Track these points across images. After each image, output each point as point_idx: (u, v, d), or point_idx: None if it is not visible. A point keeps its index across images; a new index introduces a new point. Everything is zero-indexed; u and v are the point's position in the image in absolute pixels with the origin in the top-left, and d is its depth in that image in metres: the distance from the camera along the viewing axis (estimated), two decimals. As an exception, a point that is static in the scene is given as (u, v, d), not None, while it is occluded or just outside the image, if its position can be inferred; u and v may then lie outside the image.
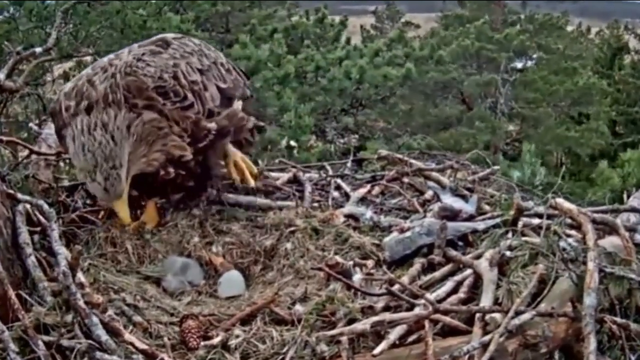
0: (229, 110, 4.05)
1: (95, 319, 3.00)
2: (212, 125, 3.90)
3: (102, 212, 4.03)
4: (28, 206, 3.64)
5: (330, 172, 5.05)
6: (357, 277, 3.53)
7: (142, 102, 3.69)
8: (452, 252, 3.72)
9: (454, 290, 3.43)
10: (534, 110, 21.11)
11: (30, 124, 5.43)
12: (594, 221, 3.61)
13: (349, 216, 4.17)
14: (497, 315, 3.11)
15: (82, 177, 3.66)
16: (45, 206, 3.56)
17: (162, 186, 3.95)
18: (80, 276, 3.27)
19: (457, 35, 21.43)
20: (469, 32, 21.17)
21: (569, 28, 27.57)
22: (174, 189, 4.05)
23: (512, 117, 21.72)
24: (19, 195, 3.63)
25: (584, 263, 3.29)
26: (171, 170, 3.81)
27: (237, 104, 4.16)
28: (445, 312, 3.20)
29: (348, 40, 16.39)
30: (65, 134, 3.71)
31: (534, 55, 22.99)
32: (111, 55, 3.98)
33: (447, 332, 3.19)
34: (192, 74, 3.90)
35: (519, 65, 22.88)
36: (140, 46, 4.00)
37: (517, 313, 3.07)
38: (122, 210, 3.72)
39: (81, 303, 3.03)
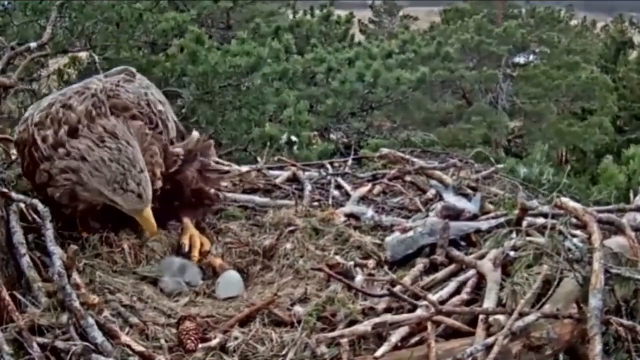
0: (189, 137, 4.06)
1: (91, 321, 2.98)
2: (179, 150, 3.90)
3: None
4: (22, 205, 3.63)
5: (331, 171, 5.05)
6: (358, 278, 3.52)
7: (128, 114, 3.72)
8: (455, 253, 3.72)
9: (457, 292, 3.43)
10: (536, 106, 21.10)
11: (25, 121, 5.40)
12: (600, 221, 3.59)
13: (349, 216, 4.17)
14: (501, 317, 3.10)
15: (109, 193, 3.47)
16: (40, 205, 3.53)
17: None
18: (76, 277, 3.26)
19: (456, 29, 21.42)
20: (469, 27, 21.16)
21: (574, 22, 27.58)
22: None
23: (514, 113, 21.71)
24: (13, 195, 3.60)
25: (590, 264, 3.28)
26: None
27: (195, 134, 4.13)
28: (448, 314, 3.19)
29: (353, 38, 16.34)
30: (58, 164, 3.54)
31: (537, 50, 22.98)
32: (75, 86, 3.91)
33: (450, 334, 3.18)
34: (158, 104, 3.96)
35: (521, 60, 22.88)
36: (107, 76, 4.01)
37: (522, 315, 3.07)
38: (151, 217, 3.61)
39: (77, 304, 3.01)
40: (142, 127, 3.71)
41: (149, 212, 3.58)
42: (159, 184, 3.71)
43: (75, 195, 3.60)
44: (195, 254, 3.88)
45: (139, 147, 3.57)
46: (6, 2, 10.30)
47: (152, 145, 3.72)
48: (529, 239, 3.65)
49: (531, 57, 23.24)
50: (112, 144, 3.48)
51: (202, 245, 3.92)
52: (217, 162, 4.43)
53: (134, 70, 4.15)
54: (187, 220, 4.02)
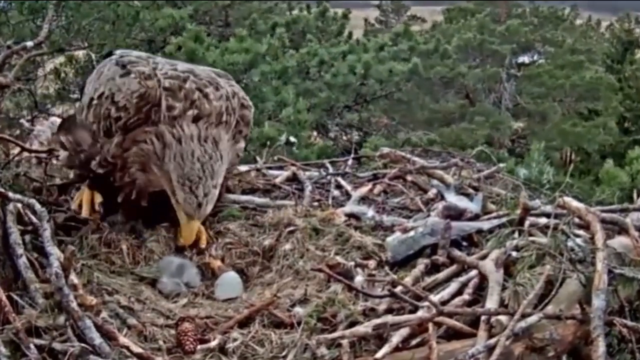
0: None
1: (88, 322, 2.99)
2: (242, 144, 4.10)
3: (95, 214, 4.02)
4: (19, 205, 3.63)
5: (331, 170, 5.06)
6: (359, 279, 3.53)
7: (245, 132, 3.90)
8: (457, 253, 3.72)
9: (459, 292, 3.44)
10: (540, 106, 21.09)
11: (22, 121, 5.43)
12: (602, 221, 3.61)
13: (350, 215, 4.18)
14: (503, 318, 3.11)
15: (177, 184, 3.52)
16: (37, 205, 3.54)
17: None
18: (73, 277, 3.27)
19: (458, 28, 21.41)
20: (471, 25, 21.15)
21: (578, 22, 27.58)
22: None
23: (517, 112, 21.70)
24: (10, 194, 3.61)
25: (593, 264, 3.29)
26: None
27: None
28: (450, 315, 3.20)
29: (350, 35, 16.36)
30: (163, 129, 3.60)
31: (540, 49, 22.98)
32: (200, 71, 3.90)
33: (452, 335, 3.18)
34: None
35: (525, 59, 22.87)
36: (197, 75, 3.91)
37: (524, 315, 3.07)
38: (194, 231, 3.70)
39: (74, 305, 3.02)
40: (241, 149, 3.94)
41: (195, 225, 3.67)
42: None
43: (145, 164, 3.65)
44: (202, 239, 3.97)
45: (226, 166, 3.65)
46: (2, 2, 10.31)
47: (233, 165, 3.90)
48: (531, 238, 3.65)
49: (535, 57, 23.23)
50: (209, 149, 3.56)
51: (198, 238, 3.96)
52: None
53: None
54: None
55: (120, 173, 3.76)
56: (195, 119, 3.63)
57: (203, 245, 3.94)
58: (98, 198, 3.97)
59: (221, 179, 3.60)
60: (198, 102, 3.67)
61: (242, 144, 4.00)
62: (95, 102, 3.83)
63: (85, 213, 3.93)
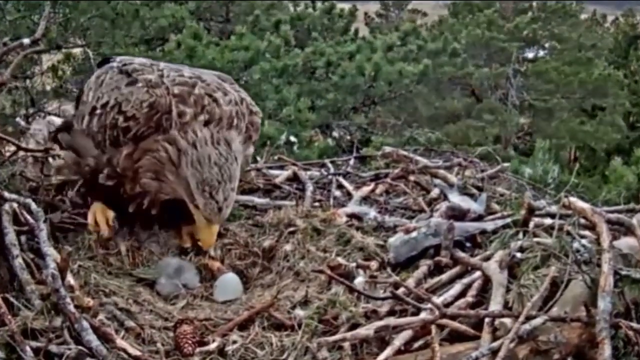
0: None
1: (85, 324, 3.00)
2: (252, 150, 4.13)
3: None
4: (15, 205, 3.63)
5: (332, 170, 5.06)
6: (360, 280, 3.53)
7: (254, 137, 3.91)
8: (460, 254, 3.73)
9: (462, 294, 3.44)
10: (547, 103, 21.07)
11: (18, 119, 5.43)
12: (608, 221, 3.60)
13: (351, 216, 4.18)
14: (507, 320, 3.11)
15: (197, 191, 3.50)
16: (33, 205, 3.55)
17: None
18: (70, 279, 3.28)
19: (466, 24, 21.38)
20: (479, 22, 21.13)
21: (583, 16, 27.52)
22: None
23: (524, 109, 21.69)
24: (6, 194, 3.62)
25: (598, 265, 3.29)
26: None
27: None
28: (453, 317, 3.20)
29: (356, 32, 16.29)
30: (175, 135, 3.59)
31: (547, 45, 22.97)
32: (206, 75, 3.91)
33: (455, 337, 3.19)
34: None
35: (531, 55, 22.86)
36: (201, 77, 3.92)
37: (528, 318, 3.07)
38: (214, 234, 3.68)
39: (71, 307, 3.03)
40: (251, 154, 3.97)
41: (215, 228, 3.64)
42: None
43: (158, 171, 3.64)
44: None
45: (239, 168, 3.65)
46: (-2, -2, 10.32)
47: (242, 170, 3.84)
48: (535, 239, 3.65)
49: (540, 52, 23.22)
50: (224, 151, 3.55)
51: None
52: None
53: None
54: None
55: (131, 184, 3.75)
56: (206, 123, 3.63)
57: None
58: (111, 213, 3.94)
59: (237, 182, 3.61)
60: (209, 107, 3.67)
61: (251, 150, 4.01)
62: (99, 111, 3.81)
63: (103, 230, 3.87)
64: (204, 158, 3.51)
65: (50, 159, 4.45)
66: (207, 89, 3.75)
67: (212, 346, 3.08)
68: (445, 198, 4.40)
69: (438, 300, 3.29)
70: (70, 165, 4.08)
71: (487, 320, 3.16)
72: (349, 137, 13.74)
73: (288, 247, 3.90)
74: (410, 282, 3.52)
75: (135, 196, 3.80)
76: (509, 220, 3.94)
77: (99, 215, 3.92)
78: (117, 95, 3.75)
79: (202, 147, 3.53)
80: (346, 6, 17.11)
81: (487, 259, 3.60)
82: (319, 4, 16.53)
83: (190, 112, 3.64)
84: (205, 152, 3.52)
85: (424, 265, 3.67)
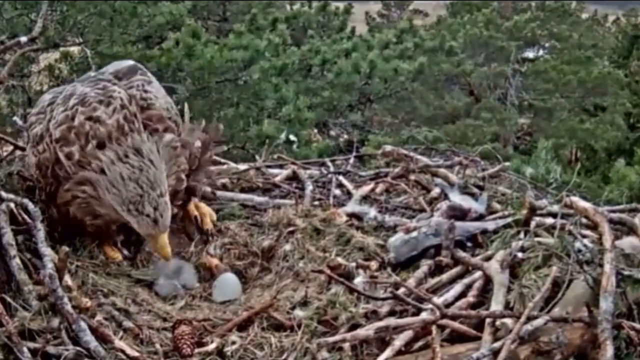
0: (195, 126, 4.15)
1: (83, 325, 2.99)
2: (197, 143, 3.94)
3: None
4: (12, 205, 3.63)
5: (332, 169, 5.05)
6: (360, 280, 3.52)
7: (162, 126, 3.69)
8: (461, 254, 3.72)
9: (463, 294, 3.44)
10: (546, 102, 21.11)
11: (15, 118, 5.40)
12: (610, 221, 3.61)
13: (351, 215, 4.17)
14: (508, 321, 3.11)
15: (124, 212, 3.42)
16: (31, 205, 3.55)
17: None
18: (68, 279, 3.27)
19: (464, 23, 21.42)
20: (477, 21, 21.16)
21: (584, 16, 27.56)
22: None
23: (523, 109, 21.72)
24: (3, 194, 3.61)
25: (600, 265, 3.29)
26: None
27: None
28: (454, 317, 3.19)
29: (353, 30, 16.31)
30: (80, 174, 3.50)
31: (546, 44, 23.00)
32: (89, 91, 3.71)
33: (456, 338, 3.18)
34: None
35: (530, 54, 22.89)
36: (117, 74, 3.87)
37: (530, 318, 3.07)
38: (165, 244, 3.55)
39: (68, 307, 3.02)
40: (173, 139, 3.70)
41: (164, 239, 3.52)
42: (183, 184, 3.77)
43: (91, 210, 3.57)
44: (207, 220, 4.00)
45: (164, 167, 3.52)
46: (-5, -4, 10.31)
47: (178, 157, 3.72)
48: (537, 239, 3.65)
49: (540, 52, 23.25)
50: (135, 162, 3.42)
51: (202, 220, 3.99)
52: (214, 161, 4.46)
53: (141, 66, 4.05)
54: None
55: (81, 222, 3.68)
56: (100, 146, 3.48)
57: (209, 226, 3.99)
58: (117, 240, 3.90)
59: (165, 185, 3.46)
60: (92, 132, 3.50)
61: (169, 136, 3.71)
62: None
63: (115, 257, 3.81)
64: (115, 179, 3.39)
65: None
66: (87, 113, 3.56)
67: (211, 347, 3.08)
68: (446, 197, 4.39)
69: (439, 300, 3.28)
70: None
71: (488, 320, 3.15)
72: (346, 136, 13.75)
73: (287, 247, 3.90)
74: (411, 282, 3.51)
75: (97, 227, 3.73)
76: (510, 219, 3.93)
77: (109, 251, 3.84)
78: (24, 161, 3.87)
79: (110, 169, 3.41)
80: (341, 4, 17.14)
81: (488, 258, 3.60)
82: (314, 2, 16.56)
83: (76, 148, 3.50)
84: (115, 172, 3.40)
85: (425, 265, 3.66)
